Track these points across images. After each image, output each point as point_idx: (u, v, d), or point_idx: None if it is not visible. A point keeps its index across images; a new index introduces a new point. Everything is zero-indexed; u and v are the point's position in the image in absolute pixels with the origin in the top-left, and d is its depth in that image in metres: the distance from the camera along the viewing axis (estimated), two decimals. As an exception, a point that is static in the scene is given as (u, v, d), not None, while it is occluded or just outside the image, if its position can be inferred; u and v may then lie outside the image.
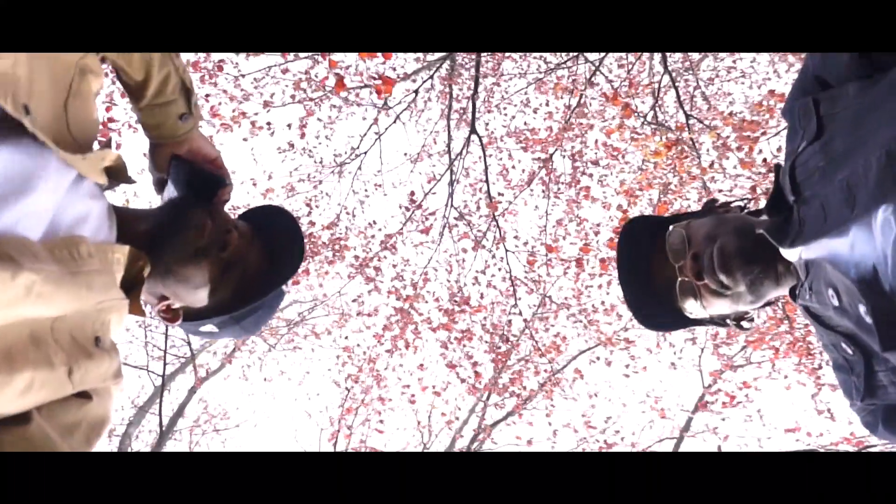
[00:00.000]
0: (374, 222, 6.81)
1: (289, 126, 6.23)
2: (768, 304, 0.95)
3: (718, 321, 1.00)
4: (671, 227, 0.97)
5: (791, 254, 0.78)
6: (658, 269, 0.98)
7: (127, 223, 0.81)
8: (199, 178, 0.91)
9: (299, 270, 1.06)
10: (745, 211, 1.00)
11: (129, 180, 0.80)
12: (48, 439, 0.61)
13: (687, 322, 1.01)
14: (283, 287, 0.96)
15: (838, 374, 0.78)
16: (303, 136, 6.41)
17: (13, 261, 0.57)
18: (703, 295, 0.91)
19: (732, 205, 1.02)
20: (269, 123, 5.97)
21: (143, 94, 0.83)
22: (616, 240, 1.11)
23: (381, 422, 8.18)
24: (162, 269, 0.83)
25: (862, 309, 0.60)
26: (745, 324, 1.00)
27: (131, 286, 0.78)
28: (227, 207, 1.00)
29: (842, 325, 0.71)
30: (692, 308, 0.95)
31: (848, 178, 0.64)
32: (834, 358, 0.78)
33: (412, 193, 6.40)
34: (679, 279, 0.94)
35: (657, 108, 5.19)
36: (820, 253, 0.71)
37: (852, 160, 0.64)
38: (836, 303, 0.66)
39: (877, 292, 0.58)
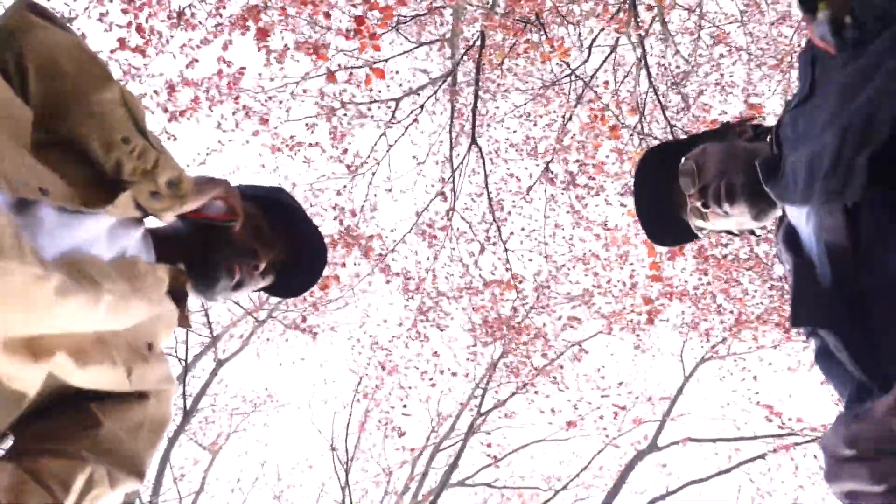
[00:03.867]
0: (393, 230, 6.79)
1: (312, 144, 6.26)
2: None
3: (728, 231, 1.03)
4: (683, 160, 0.99)
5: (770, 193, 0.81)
6: (672, 192, 1.01)
7: (160, 243, 0.82)
8: (207, 229, 0.86)
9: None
10: (760, 131, 0.99)
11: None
12: (118, 439, 0.66)
13: (695, 236, 1.06)
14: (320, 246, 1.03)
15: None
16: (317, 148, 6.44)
17: (95, 282, 0.61)
18: (710, 218, 0.95)
19: (746, 122, 1.02)
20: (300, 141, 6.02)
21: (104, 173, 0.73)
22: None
23: (405, 406, 8.26)
24: (205, 294, 0.86)
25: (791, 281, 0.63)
26: (756, 230, 1.04)
27: (176, 300, 0.79)
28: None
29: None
30: (701, 226, 1.00)
31: (810, 156, 0.66)
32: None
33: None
34: (689, 205, 0.98)
35: (643, 123, 5.17)
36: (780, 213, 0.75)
37: (816, 139, 0.65)
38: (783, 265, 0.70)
39: (806, 273, 0.62)
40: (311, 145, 6.19)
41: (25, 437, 0.59)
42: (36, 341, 0.56)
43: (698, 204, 0.93)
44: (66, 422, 0.62)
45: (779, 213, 0.90)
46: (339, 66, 5.54)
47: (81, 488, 0.60)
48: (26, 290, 0.52)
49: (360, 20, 3.68)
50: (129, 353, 0.67)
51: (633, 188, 1.12)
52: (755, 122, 1.02)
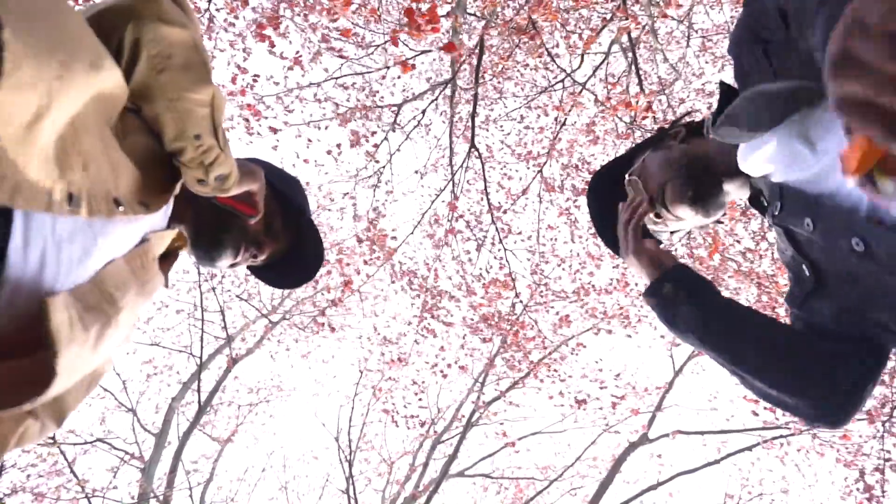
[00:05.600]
0: (395, 228, 6.80)
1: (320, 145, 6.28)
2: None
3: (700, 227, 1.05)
4: (627, 178, 1.01)
5: (750, 164, 0.78)
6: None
7: (177, 201, 0.81)
8: (231, 216, 0.88)
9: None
10: (693, 126, 0.98)
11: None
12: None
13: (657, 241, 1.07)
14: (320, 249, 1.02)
15: (790, 275, 0.82)
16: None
17: (113, 301, 0.61)
18: (667, 224, 0.98)
19: (680, 123, 1.01)
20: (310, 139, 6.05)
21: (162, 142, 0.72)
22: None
23: (421, 399, 8.28)
24: (199, 260, 0.87)
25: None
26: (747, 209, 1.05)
27: (164, 257, 0.79)
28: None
29: (820, 259, 0.71)
30: (660, 230, 1.02)
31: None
32: (791, 267, 0.80)
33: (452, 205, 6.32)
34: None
35: (633, 126, 5.21)
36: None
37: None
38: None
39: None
40: (336, 151, 6.21)
41: None
42: None
43: (651, 214, 0.96)
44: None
45: (723, 211, 0.91)
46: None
47: (16, 443, 0.61)
48: (79, 358, 0.55)
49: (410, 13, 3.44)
50: None
51: (588, 214, 1.12)
52: (687, 119, 1.01)
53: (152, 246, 0.71)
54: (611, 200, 1.05)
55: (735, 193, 0.91)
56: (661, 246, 1.05)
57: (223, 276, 7.88)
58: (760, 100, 0.66)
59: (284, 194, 0.98)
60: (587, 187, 1.11)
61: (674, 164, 0.93)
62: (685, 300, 0.82)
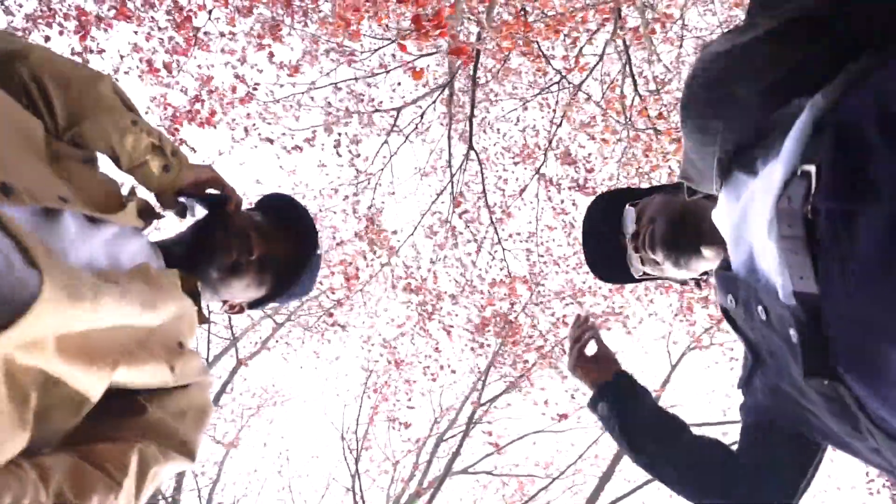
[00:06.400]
0: (395, 231, 6.79)
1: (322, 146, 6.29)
2: (706, 273, 0.94)
3: (675, 280, 1.02)
4: (626, 207, 1.02)
5: (721, 220, 0.75)
6: (619, 237, 1.04)
7: (167, 251, 0.83)
8: (205, 204, 0.89)
9: (319, 245, 1.01)
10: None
11: (158, 216, 0.82)
12: (164, 421, 0.67)
13: (634, 279, 1.08)
14: (318, 250, 1.00)
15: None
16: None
17: (118, 283, 0.60)
18: (645, 262, 0.98)
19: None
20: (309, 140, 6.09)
21: (119, 163, 0.79)
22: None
23: (409, 399, 8.31)
24: (211, 284, 0.86)
25: (791, 332, 0.53)
26: (701, 283, 1.03)
27: (191, 300, 0.81)
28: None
29: (752, 336, 0.68)
30: (642, 269, 1.02)
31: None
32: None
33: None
34: (629, 248, 1.02)
35: (628, 127, 5.25)
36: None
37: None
38: (763, 318, 0.61)
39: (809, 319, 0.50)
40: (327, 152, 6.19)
41: (76, 427, 0.58)
42: (90, 345, 0.55)
43: (630, 248, 0.98)
44: (114, 410, 0.61)
45: (704, 267, 0.91)
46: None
47: (137, 466, 0.61)
48: (69, 286, 0.52)
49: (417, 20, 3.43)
50: (167, 351, 0.68)
51: (582, 224, 1.12)
52: None
53: (152, 267, 0.71)
54: (610, 223, 1.05)
55: (713, 263, 0.88)
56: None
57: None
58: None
59: (265, 201, 1.00)
60: (588, 207, 1.11)
61: (670, 207, 0.94)
62: (616, 417, 0.96)
